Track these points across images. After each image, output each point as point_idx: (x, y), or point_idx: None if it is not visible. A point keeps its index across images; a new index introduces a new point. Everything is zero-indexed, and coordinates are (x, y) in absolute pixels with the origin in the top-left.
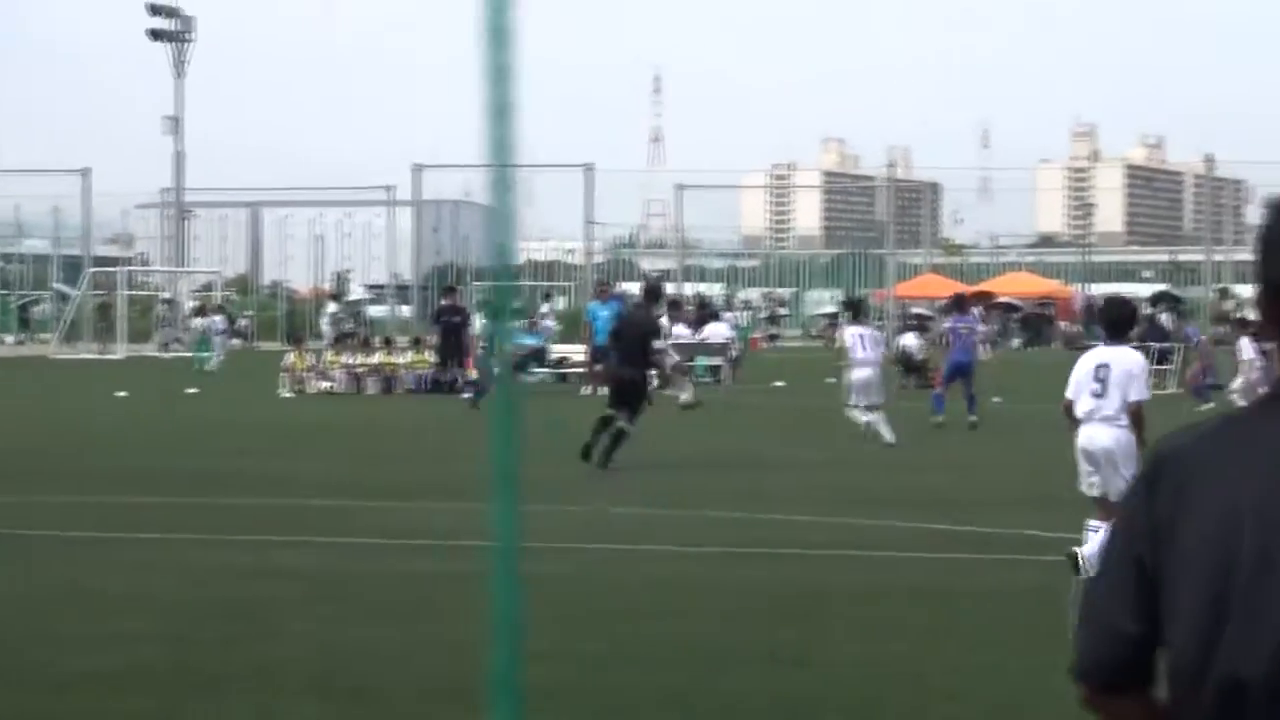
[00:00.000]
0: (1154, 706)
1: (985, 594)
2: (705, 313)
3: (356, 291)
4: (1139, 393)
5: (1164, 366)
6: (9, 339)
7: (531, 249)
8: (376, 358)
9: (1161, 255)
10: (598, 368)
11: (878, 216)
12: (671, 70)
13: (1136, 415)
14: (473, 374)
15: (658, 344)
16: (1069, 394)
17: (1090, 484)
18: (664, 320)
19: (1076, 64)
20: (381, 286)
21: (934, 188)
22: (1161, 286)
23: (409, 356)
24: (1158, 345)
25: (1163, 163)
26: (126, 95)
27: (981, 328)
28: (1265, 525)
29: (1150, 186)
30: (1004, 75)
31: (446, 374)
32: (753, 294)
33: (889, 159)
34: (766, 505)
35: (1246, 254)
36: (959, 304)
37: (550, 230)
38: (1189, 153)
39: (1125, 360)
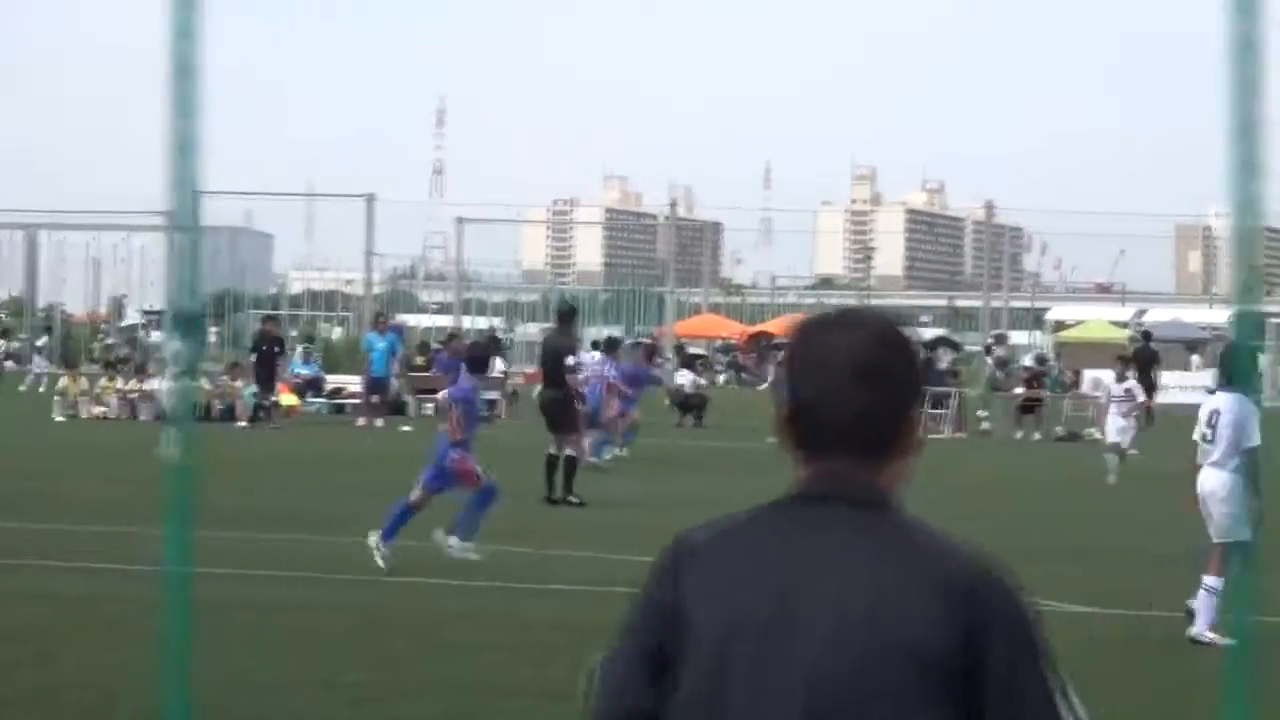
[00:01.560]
0: None
1: None
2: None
3: (132, 317)
4: (1250, 438)
5: (938, 411)
6: None
7: (310, 279)
8: (152, 384)
9: (940, 300)
10: (375, 398)
11: (659, 254)
12: (455, 102)
13: (1249, 460)
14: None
15: (570, 361)
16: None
17: (1208, 527)
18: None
19: (858, 107)
20: (158, 312)
21: (715, 227)
22: (940, 331)
23: None
24: (932, 389)
25: (944, 208)
26: None
27: (612, 372)
28: (760, 634)
29: (931, 231)
30: (786, 117)
31: (266, 400)
32: (532, 329)
33: (670, 197)
34: (541, 541)
35: (1024, 301)
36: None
37: (330, 260)
38: (969, 198)
39: (1234, 407)
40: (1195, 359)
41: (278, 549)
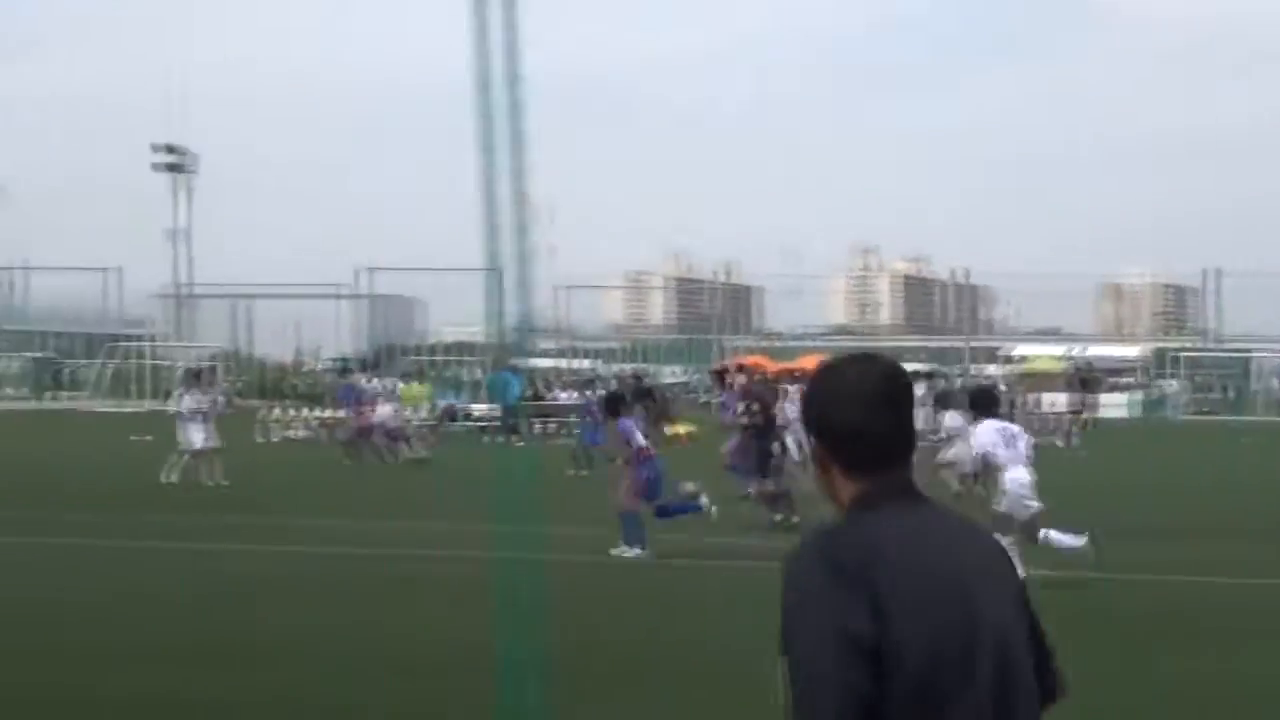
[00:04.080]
0: None
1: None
2: (585, 381)
3: (324, 363)
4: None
5: None
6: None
7: (458, 332)
8: (329, 412)
9: (927, 342)
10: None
11: (713, 311)
12: (560, 198)
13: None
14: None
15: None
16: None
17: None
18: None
19: (859, 193)
20: (345, 359)
21: (756, 290)
22: (925, 366)
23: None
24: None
25: (932, 273)
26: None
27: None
28: (956, 603)
29: (921, 290)
30: (804, 201)
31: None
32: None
33: (724, 267)
34: None
35: (992, 342)
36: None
37: (473, 316)
38: (950, 264)
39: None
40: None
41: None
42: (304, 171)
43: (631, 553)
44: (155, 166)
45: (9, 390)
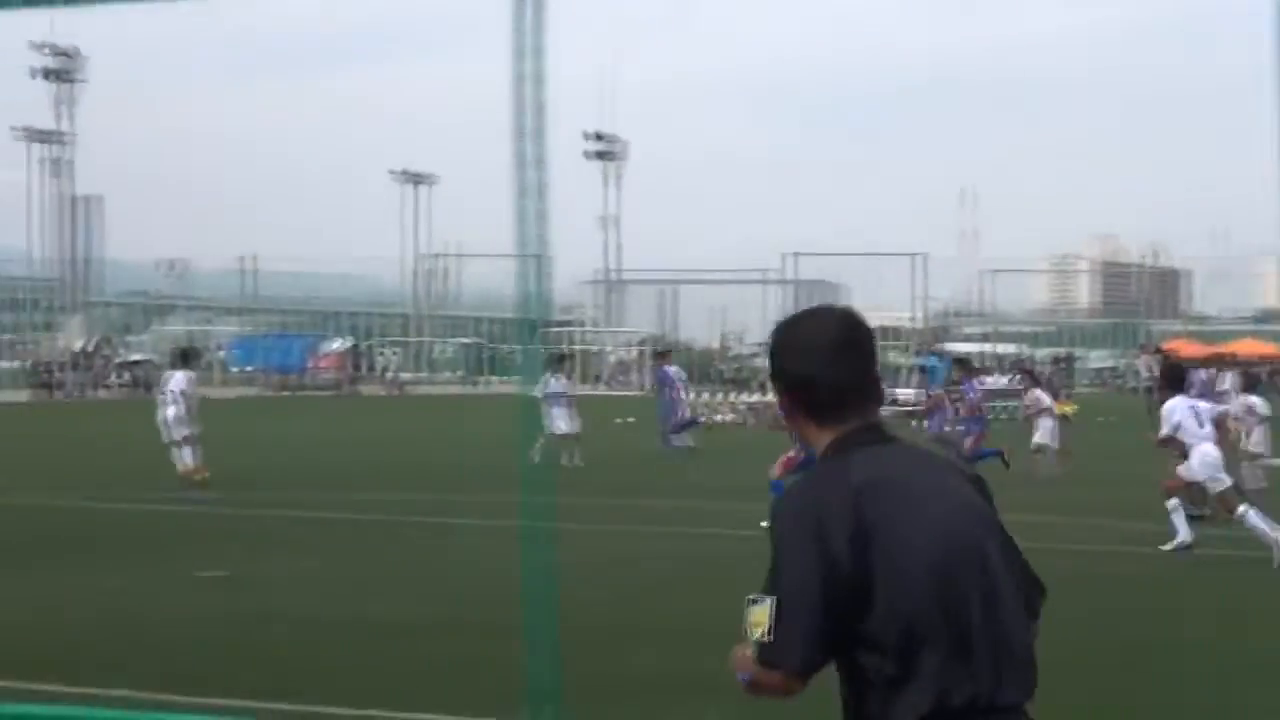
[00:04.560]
0: None
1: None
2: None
3: (749, 347)
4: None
5: None
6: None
7: (881, 317)
8: (756, 396)
9: None
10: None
11: (1141, 295)
12: (984, 182)
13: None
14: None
15: None
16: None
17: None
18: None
19: None
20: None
21: (1184, 273)
22: None
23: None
24: None
25: None
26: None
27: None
28: (935, 529)
29: None
30: (1243, 178)
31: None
32: (1042, 352)
33: (1151, 249)
34: None
35: None
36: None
37: (894, 303)
38: None
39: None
40: None
41: None
42: (734, 162)
43: None
44: (586, 155)
45: (446, 374)
